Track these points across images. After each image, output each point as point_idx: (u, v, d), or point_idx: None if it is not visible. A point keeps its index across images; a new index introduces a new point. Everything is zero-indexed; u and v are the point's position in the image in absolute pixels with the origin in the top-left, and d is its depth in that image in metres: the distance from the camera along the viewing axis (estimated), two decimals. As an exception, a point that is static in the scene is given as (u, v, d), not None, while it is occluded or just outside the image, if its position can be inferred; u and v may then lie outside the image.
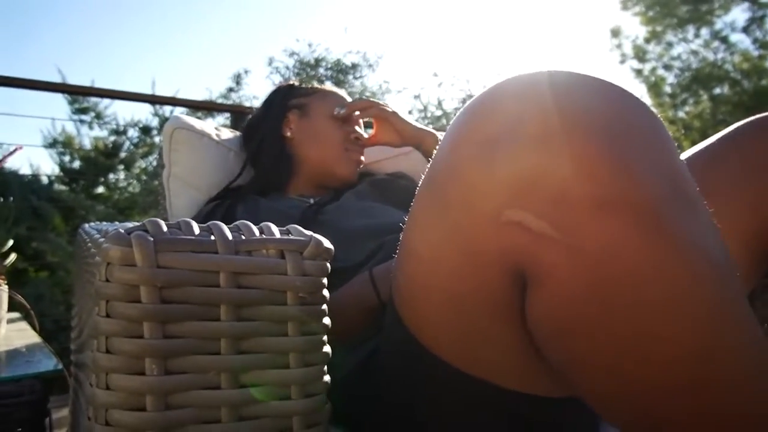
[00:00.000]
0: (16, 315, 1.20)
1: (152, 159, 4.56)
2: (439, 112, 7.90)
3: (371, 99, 1.02)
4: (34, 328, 1.09)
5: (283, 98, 1.00)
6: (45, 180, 3.98)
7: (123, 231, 0.33)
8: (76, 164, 4.59)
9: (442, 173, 0.39)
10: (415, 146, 0.98)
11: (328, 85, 1.04)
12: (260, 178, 0.95)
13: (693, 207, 0.33)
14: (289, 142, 0.96)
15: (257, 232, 0.37)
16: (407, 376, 0.49)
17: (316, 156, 0.95)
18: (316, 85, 1.03)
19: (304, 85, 1.03)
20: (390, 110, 0.97)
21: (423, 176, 0.42)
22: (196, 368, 0.34)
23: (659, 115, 0.36)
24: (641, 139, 0.33)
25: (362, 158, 0.98)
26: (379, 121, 0.97)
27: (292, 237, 0.38)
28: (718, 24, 8.30)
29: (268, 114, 1.00)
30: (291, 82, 1.04)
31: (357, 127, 0.98)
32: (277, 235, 0.38)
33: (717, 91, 8.32)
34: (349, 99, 1.02)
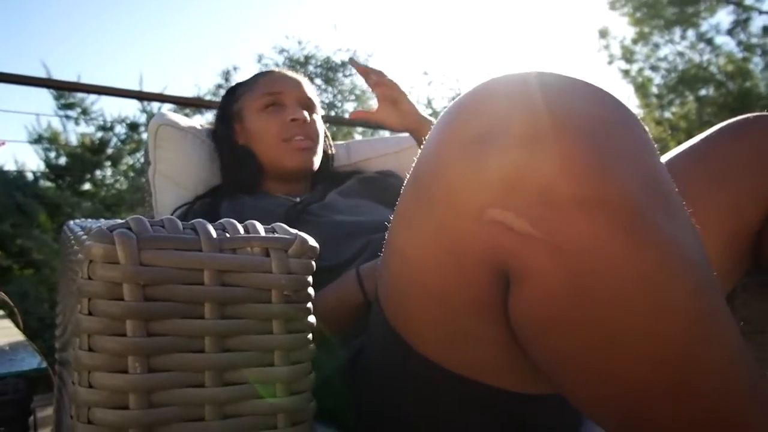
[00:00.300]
0: (-1, 313, 1.19)
1: (140, 156, 4.52)
2: (428, 111, 7.92)
3: (385, 79, 0.93)
4: (18, 326, 1.08)
5: (227, 106, 0.98)
6: (30, 176, 3.93)
7: (106, 228, 0.33)
8: (62, 160, 4.54)
9: (427, 171, 0.39)
10: (413, 131, 0.94)
11: (267, 72, 0.97)
12: (229, 183, 0.94)
13: (671, 207, 0.34)
14: (243, 147, 0.94)
15: (242, 230, 0.37)
16: (392, 374, 0.49)
17: (263, 155, 0.91)
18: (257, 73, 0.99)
19: (243, 81, 0.99)
20: (400, 90, 0.93)
21: (408, 174, 0.43)
22: (180, 366, 0.34)
23: (646, 116, 0.36)
24: (622, 141, 0.34)
25: (308, 142, 0.91)
26: (385, 100, 0.93)
27: (276, 235, 0.38)
28: (704, 26, 8.41)
29: (220, 125, 0.98)
30: (234, 85, 1.01)
31: (292, 108, 0.91)
32: (262, 233, 0.38)
33: (703, 92, 8.43)
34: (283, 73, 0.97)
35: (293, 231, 0.39)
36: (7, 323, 1.11)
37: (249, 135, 0.93)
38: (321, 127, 0.97)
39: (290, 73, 0.98)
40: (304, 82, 0.97)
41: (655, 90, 8.82)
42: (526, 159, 0.33)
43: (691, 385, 0.33)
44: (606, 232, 0.32)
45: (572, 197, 0.32)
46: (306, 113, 0.91)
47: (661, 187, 0.34)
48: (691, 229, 0.35)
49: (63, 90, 4.17)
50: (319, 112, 0.98)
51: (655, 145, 0.36)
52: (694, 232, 0.35)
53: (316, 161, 0.94)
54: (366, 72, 0.94)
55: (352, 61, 0.96)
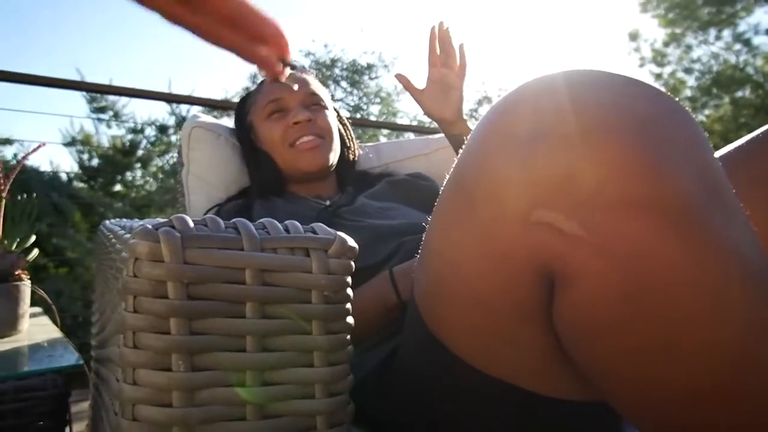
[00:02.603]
0: (37, 310, 1.22)
1: (169, 158, 4.62)
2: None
3: (452, 62, 0.90)
4: (55, 322, 1.10)
5: (240, 118, 0.98)
6: (65, 177, 4.04)
7: (151, 227, 0.33)
8: (95, 162, 4.66)
9: (470, 172, 0.38)
10: (447, 123, 0.91)
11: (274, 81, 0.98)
12: (257, 186, 0.94)
13: (728, 208, 0.32)
14: (263, 152, 0.94)
15: (282, 230, 0.37)
16: (428, 377, 0.49)
17: (278, 160, 0.92)
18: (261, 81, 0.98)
19: (251, 91, 0.99)
20: (462, 79, 0.89)
21: (448, 175, 0.42)
22: (222, 365, 0.34)
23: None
24: (674, 138, 0.32)
25: (316, 140, 0.89)
26: (436, 82, 0.90)
27: (317, 235, 0.38)
28: (741, 26, 8.17)
29: (239, 134, 0.99)
30: (245, 95, 1.01)
31: (295, 110, 0.89)
32: (302, 233, 0.38)
33: (738, 94, 8.19)
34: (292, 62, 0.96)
35: (333, 231, 0.39)
36: (45, 320, 1.14)
37: (263, 143, 0.94)
38: (332, 120, 0.94)
39: (293, 73, 0.96)
40: (308, 78, 0.95)
41: (688, 93, 8.61)
42: (574, 158, 0.32)
43: (747, 394, 0.32)
44: (659, 234, 0.31)
45: (622, 197, 0.31)
46: (310, 112, 0.90)
47: (716, 185, 0.32)
48: (750, 234, 0.33)
49: (95, 92, 4.28)
50: (329, 105, 0.96)
51: (711, 143, 0.35)
52: (754, 236, 0.33)
53: (332, 156, 0.92)
54: (434, 46, 0.90)
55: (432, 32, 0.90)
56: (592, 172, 0.31)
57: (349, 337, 0.40)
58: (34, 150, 1.00)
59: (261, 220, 0.39)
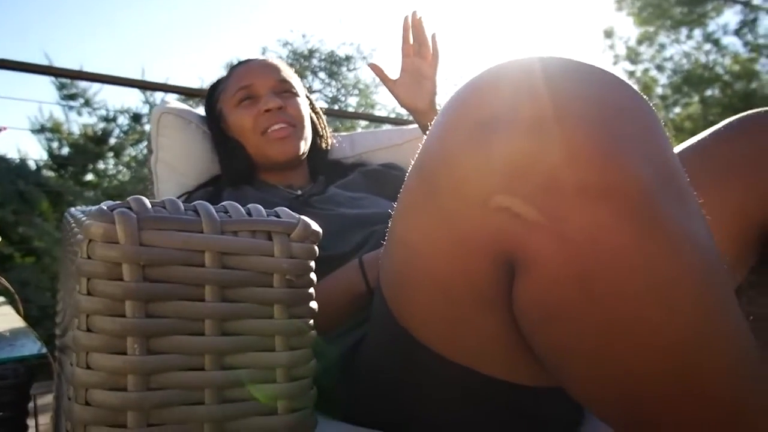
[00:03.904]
0: (0, 299, 1.19)
1: (142, 147, 4.52)
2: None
3: (425, 51, 0.90)
4: (18, 312, 1.07)
5: (210, 105, 0.97)
6: (33, 165, 3.93)
7: (106, 208, 0.33)
8: (65, 150, 4.54)
9: (432, 158, 0.38)
10: (421, 113, 0.91)
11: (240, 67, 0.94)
12: (227, 174, 0.93)
13: (681, 195, 0.33)
14: (233, 140, 0.92)
15: (244, 213, 0.37)
16: (393, 363, 0.49)
17: (249, 149, 0.90)
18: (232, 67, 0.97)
19: (221, 78, 0.98)
20: (435, 68, 0.89)
21: (412, 162, 0.42)
22: (179, 349, 0.33)
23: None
24: (632, 127, 0.33)
25: (288, 128, 0.88)
26: (408, 72, 0.90)
27: (279, 219, 0.37)
28: (711, 26, 8.37)
29: (209, 122, 0.97)
30: (215, 82, 0.99)
31: (265, 98, 0.88)
32: (265, 216, 0.37)
33: (708, 93, 8.39)
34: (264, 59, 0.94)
35: (296, 215, 0.39)
36: (8, 309, 1.11)
37: (233, 131, 0.92)
38: (304, 108, 0.93)
39: (263, 60, 0.94)
40: (279, 65, 0.94)
41: (659, 91, 8.78)
42: (532, 144, 0.32)
43: (698, 374, 0.33)
44: (612, 220, 0.31)
45: (579, 183, 0.31)
46: (281, 99, 0.88)
47: (671, 173, 0.33)
48: (702, 220, 0.34)
49: (66, 77, 4.16)
50: (301, 93, 0.95)
51: (666, 132, 0.35)
52: (705, 223, 0.34)
53: (303, 145, 0.91)
54: (407, 36, 0.90)
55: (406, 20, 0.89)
56: (549, 158, 0.32)
57: (312, 321, 0.40)
58: (-4, 134, 0.97)
59: (223, 203, 0.38)
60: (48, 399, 1.36)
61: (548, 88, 0.33)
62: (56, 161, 4.36)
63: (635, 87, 0.36)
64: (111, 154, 4.59)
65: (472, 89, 0.37)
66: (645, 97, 0.35)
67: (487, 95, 0.35)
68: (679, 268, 0.32)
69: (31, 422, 0.76)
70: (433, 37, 0.91)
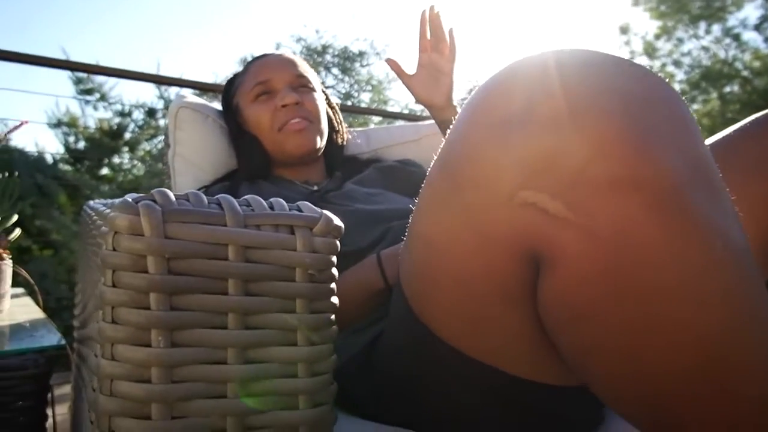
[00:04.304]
0: (20, 291, 1.20)
1: (157, 142, 4.56)
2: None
3: (444, 46, 0.88)
4: (38, 303, 1.09)
5: (227, 100, 0.97)
6: (50, 159, 3.98)
7: (131, 200, 0.33)
8: (81, 145, 4.59)
9: (455, 154, 0.38)
10: (438, 109, 0.89)
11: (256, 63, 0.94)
12: (244, 169, 0.93)
13: (713, 189, 0.32)
14: (250, 135, 0.92)
15: (267, 207, 0.37)
16: (413, 361, 0.49)
17: (266, 143, 0.90)
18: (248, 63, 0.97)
19: (238, 73, 0.98)
20: (452, 64, 0.88)
21: (434, 158, 0.41)
22: (203, 342, 0.33)
23: None
24: (661, 119, 0.32)
25: (304, 122, 0.88)
26: (425, 67, 0.89)
27: (302, 213, 0.37)
28: (731, 21, 8.22)
29: (226, 117, 0.98)
30: (231, 77, 1.00)
31: (282, 92, 0.88)
32: (287, 210, 0.37)
33: (727, 89, 8.25)
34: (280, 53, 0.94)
35: (318, 210, 0.38)
36: (28, 301, 1.13)
37: (250, 126, 0.92)
38: (320, 103, 0.93)
39: (280, 55, 0.95)
40: (296, 60, 0.94)
41: (677, 86, 8.66)
42: (559, 139, 0.32)
43: (728, 372, 0.32)
44: (644, 215, 0.30)
45: (607, 177, 0.31)
46: (297, 94, 0.88)
47: (701, 166, 0.32)
48: (733, 215, 0.33)
49: (82, 72, 4.20)
50: (318, 88, 0.95)
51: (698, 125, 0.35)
52: (737, 219, 0.33)
53: (320, 140, 0.91)
54: (424, 31, 0.89)
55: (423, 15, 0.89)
56: (577, 152, 0.31)
57: (333, 317, 0.39)
58: (16, 128, 0.98)
59: (245, 196, 0.38)
60: (65, 389, 1.38)
61: (573, 81, 0.33)
62: (73, 155, 4.42)
63: (658, 74, 0.35)
64: (126, 148, 4.64)
65: (495, 84, 0.36)
66: (673, 87, 0.35)
67: (511, 90, 0.35)
68: (710, 264, 0.31)
69: (48, 411, 0.77)
70: (451, 32, 0.90)
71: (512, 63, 0.36)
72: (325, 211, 0.38)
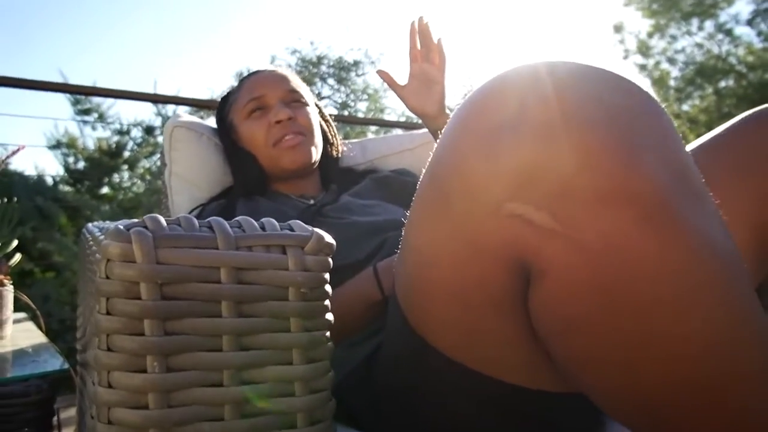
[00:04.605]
0: (22, 315, 1.21)
1: (156, 159, 4.58)
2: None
3: (434, 56, 0.90)
4: (40, 328, 1.09)
5: (222, 117, 0.97)
6: (50, 181, 4.00)
7: (122, 227, 0.33)
8: (81, 165, 4.61)
9: (444, 166, 0.38)
10: (430, 118, 0.91)
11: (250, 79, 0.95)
12: (240, 185, 0.94)
13: (699, 199, 0.33)
14: (245, 151, 0.93)
15: (258, 228, 0.37)
16: (411, 372, 0.49)
17: (261, 159, 0.91)
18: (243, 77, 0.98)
19: (232, 90, 0.99)
20: (443, 73, 0.89)
21: (424, 169, 0.42)
22: (198, 365, 0.34)
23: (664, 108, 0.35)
24: (645, 130, 0.33)
25: (298, 138, 0.89)
26: (417, 78, 0.90)
27: (293, 232, 0.37)
28: (723, 16, 8.25)
29: (221, 133, 0.98)
30: (225, 94, 1.00)
31: (275, 108, 0.89)
32: (278, 230, 0.37)
33: (722, 84, 8.27)
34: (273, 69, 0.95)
35: (309, 228, 0.39)
36: (30, 326, 1.13)
37: (244, 142, 0.93)
38: (314, 117, 0.94)
39: (272, 71, 0.95)
40: (288, 75, 0.95)
41: (672, 83, 8.68)
42: (545, 150, 0.32)
43: (721, 380, 0.32)
44: (632, 227, 0.31)
45: (593, 189, 0.31)
46: (290, 109, 0.89)
47: (688, 178, 0.33)
48: (719, 222, 0.33)
49: (80, 94, 4.23)
50: (311, 101, 0.96)
51: (679, 134, 0.35)
52: (723, 225, 0.34)
53: (314, 153, 0.91)
54: (414, 42, 0.90)
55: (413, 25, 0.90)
56: (562, 164, 0.31)
57: (328, 333, 0.40)
58: (13, 153, 0.99)
59: (237, 218, 0.38)
60: (71, 412, 1.37)
61: (559, 93, 0.33)
62: (73, 176, 4.43)
63: (647, 85, 0.35)
64: (125, 166, 4.66)
65: (482, 96, 0.36)
66: (657, 99, 0.35)
67: (498, 102, 0.35)
68: (701, 275, 0.31)
69: (55, 436, 0.77)
70: (440, 41, 0.91)
71: (498, 75, 0.37)
72: (317, 229, 0.39)
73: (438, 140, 0.40)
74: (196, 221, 0.36)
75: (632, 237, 0.31)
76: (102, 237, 0.36)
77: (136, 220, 0.35)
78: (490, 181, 0.34)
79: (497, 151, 0.34)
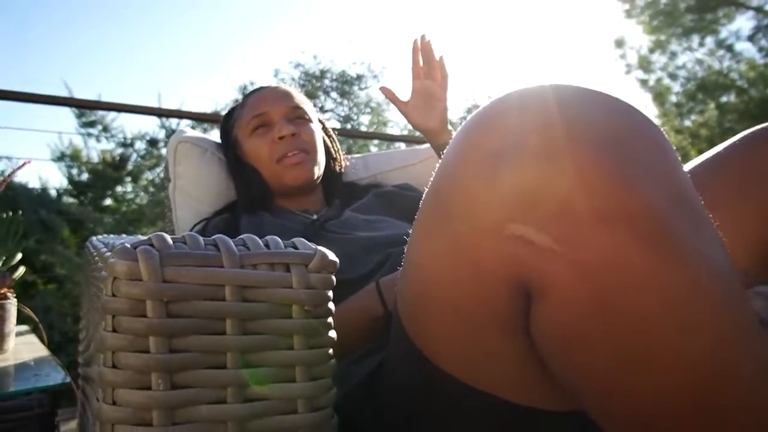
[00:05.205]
0: (24, 328, 1.21)
1: (159, 171, 4.60)
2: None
3: (436, 73, 0.91)
4: (42, 341, 1.09)
5: (226, 133, 0.99)
6: (54, 193, 4.02)
7: (129, 246, 0.34)
8: (84, 177, 4.64)
9: (446, 185, 0.39)
10: (433, 134, 0.92)
11: (253, 96, 0.97)
12: (244, 201, 0.94)
13: (696, 219, 0.33)
14: (249, 167, 0.94)
15: (262, 246, 0.38)
16: (411, 388, 0.49)
17: (265, 175, 0.92)
18: (248, 93, 1.00)
19: (236, 106, 1.00)
20: (445, 89, 0.90)
21: (427, 188, 0.42)
22: (203, 382, 0.34)
23: (664, 125, 0.36)
24: (643, 152, 0.33)
25: (301, 155, 0.90)
26: (419, 94, 0.91)
27: (296, 250, 0.38)
28: (723, 33, 8.31)
29: (225, 149, 1.00)
30: (229, 110, 1.02)
31: (279, 125, 0.90)
32: (282, 248, 0.38)
33: (723, 99, 8.30)
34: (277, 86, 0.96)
35: (313, 246, 0.39)
36: (32, 338, 1.13)
37: (248, 158, 0.94)
38: (317, 133, 0.95)
39: (276, 87, 0.97)
40: (292, 92, 0.96)
41: (673, 98, 8.71)
42: (545, 172, 0.33)
43: (718, 401, 0.32)
44: (629, 247, 0.31)
45: (593, 211, 0.31)
46: (294, 126, 0.90)
47: (685, 198, 0.33)
48: (717, 242, 0.34)
49: (84, 108, 4.27)
50: (314, 118, 0.97)
51: (678, 156, 0.35)
52: (721, 245, 0.34)
53: (317, 170, 0.92)
54: (417, 59, 0.91)
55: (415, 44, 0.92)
56: (561, 185, 0.32)
57: (331, 351, 0.40)
58: (19, 168, 1.00)
59: (242, 236, 0.39)
60: (72, 425, 1.37)
61: (558, 115, 0.34)
62: (76, 188, 4.46)
63: (649, 100, 0.36)
64: (129, 178, 4.69)
65: (482, 117, 0.37)
66: (654, 121, 0.36)
67: (498, 123, 0.36)
68: (697, 292, 0.32)
69: (55, 450, 0.77)
70: (441, 58, 0.92)
71: (500, 97, 0.37)
72: (320, 247, 0.39)
73: (441, 158, 0.40)
74: (201, 240, 0.36)
75: (630, 256, 0.31)
76: (108, 254, 0.37)
77: (141, 237, 0.36)
78: (492, 202, 0.34)
79: (499, 173, 0.34)
